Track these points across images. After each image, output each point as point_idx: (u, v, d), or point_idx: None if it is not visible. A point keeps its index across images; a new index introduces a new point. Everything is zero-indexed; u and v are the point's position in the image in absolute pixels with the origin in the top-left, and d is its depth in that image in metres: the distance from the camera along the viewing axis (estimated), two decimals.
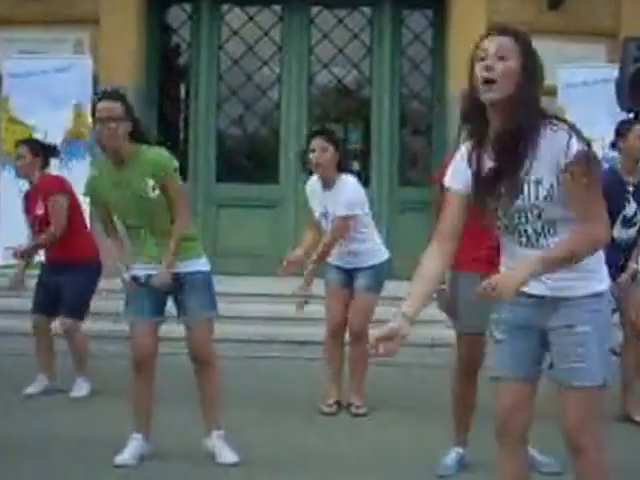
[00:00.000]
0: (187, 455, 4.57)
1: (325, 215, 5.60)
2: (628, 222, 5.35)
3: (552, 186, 2.77)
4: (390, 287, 6.09)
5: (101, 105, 4.39)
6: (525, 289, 2.82)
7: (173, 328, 4.68)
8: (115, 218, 4.63)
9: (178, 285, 4.45)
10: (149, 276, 4.45)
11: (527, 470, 3.13)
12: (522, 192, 2.80)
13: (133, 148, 4.39)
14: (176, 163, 4.53)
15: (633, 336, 5.55)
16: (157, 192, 4.38)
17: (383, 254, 5.79)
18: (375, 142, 9.51)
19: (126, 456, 4.42)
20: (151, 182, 4.36)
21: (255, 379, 6.54)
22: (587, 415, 2.91)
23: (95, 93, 7.66)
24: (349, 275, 5.71)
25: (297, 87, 9.66)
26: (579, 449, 2.92)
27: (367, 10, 9.77)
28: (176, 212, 4.43)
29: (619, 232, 5.30)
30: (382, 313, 6.38)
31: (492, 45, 2.84)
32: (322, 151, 5.51)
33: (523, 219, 2.86)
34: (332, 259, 5.67)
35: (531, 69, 2.81)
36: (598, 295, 2.91)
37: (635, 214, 5.36)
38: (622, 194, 5.28)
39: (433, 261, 2.94)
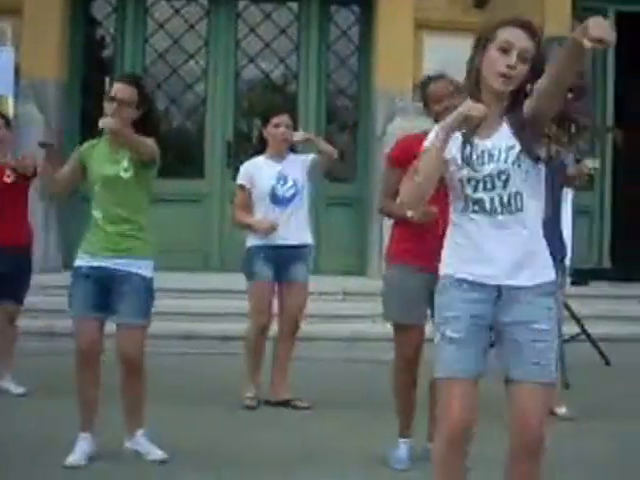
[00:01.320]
0: (135, 455, 4.49)
1: (282, 180, 5.67)
2: None
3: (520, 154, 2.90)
4: (316, 282, 6.10)
5: (115, 85, 4.45)
6: (482, 279, 2.88)
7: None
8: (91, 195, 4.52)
9: (115, 280, 4.38)
10: (92, 268, 4.38)
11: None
12: (495, 156, 2.91)
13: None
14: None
15: None
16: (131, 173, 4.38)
17: (310, 238, 5.83)
18: None
19: (77, 456, 4.34)
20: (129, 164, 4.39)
21: (176, 375, 6.48)
22: (542, 411, 2.96)
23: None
24: (277, 266, 5.68)
25: (223, 81, 9.61)
26: (538, 446, 2.93)
27: (294, 5, 9.77)
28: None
29: None
30: (308, 308, 6.43)
31: (518, 44, 2.90)
32: (287, 127, 5.74)
33: (489, 185, 2.90)
34: (262, 240, 5.66)
35: (538, 70, 2.89)
36: (552, 293, 2.98)
37: None
38: None
39: None
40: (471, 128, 2.89)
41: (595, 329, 7.53)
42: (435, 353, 2.99)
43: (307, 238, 5.78)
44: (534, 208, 2.98)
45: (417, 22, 9.19)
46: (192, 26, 9.67)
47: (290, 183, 5.69)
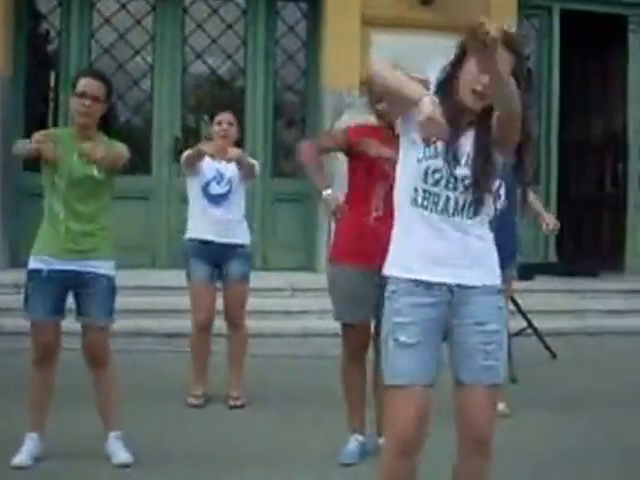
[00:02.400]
0: (83, 455, 4.44)
1: (218, 177, 5.63)
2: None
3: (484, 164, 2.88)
4: (264, 278, 6.09)
5: (83, 81, 4.32)
6: (433, 278, 2.85)
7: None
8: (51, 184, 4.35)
9: (82, 282, 4.33)
10: (55, 271, 4.29)
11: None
12: (463, 160, 2.89)
13: (98, 132, 4.37)
14: None
15: None
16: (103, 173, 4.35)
17: (249, 236, 5.81)
18: (249, 133, 9.47)
19: (24, 457, 4.27)
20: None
21: (125, 373, 6.38)
22: (492, 410, 2.95)
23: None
24: (214, 264, 5.65)
25: (170, 77, 9.54)
26: (487, 446, 2.92)
27: (241, 1, 9.73)
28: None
29: None
30: (257, 305, 6.43)
31: (499, 61, 2.71)
32: (230, 125, 5.68)
33: (451, 185, 2.87)
34: (201, 234, 5.64)
35: (517, 78, 2.80)
36: (501, 291, 2.97)
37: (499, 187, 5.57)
38: None
39: None
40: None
41: (541, 323, 7.63)
42: (386, 359, 2.92)
43: (242, 237, 5.72)
44: (488, 212, 2.97)
45: (364, 18, 9.21)
46: (138, 21, 9.59)
47: (225, 181, 5.66)
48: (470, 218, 2.90)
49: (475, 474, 2.97)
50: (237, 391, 5.64)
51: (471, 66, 2.82)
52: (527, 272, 8.86)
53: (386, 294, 2.96)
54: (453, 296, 2.89)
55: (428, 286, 2.88)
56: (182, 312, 6.55)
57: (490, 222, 3.02)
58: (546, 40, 10.41)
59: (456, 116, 2.84)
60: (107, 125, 4.43)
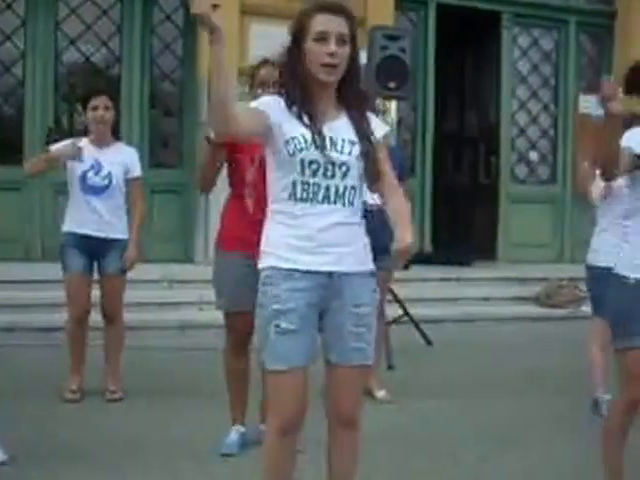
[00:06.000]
0: None
1: (96, 167, 5.46)
2: None
3: (362, 150, 2.93)
4: (141, 270, 6.02)
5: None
6: (311, 268, 2.89)
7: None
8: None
9: None
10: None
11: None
12: (339, 146, 2.93)
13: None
14: None
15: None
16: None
17: (127, 230, 5.68)
18: (125, 122, 9.31)
19: None
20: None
21: None
22: (360, 392, 3.08)
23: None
24: (91, 257, 5.53)
25: (43, 64, 9.29)
26: (353, 425, 3.04)
27: None
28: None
29: (370, 197, 5.62)
30: (134, 297, 6.34)
31: (334, 28, 2.88)
32: (106, 109, 5.52)
33: (330, 173, 2.89)
34: (77, 228, 5.51)
35: (357, 55, 2.96)
36: (375, 275, 3.04)
37: None
38: None
39: None
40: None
41: (417, 311, 7.78)
42: (265, 344, 2.94)
43: (120, 232, 5.58)
44: (362, 200, 3.02)
45: (243, 8, 9.18)
46: (9, 6, 9.28)
47: (105, 173, 5.48)
48: (350, 204, 2.94)
49: (344, 448, 3.07)
50: (114, 384, 5.55)
51: (311, 44, 2.90)
52: None
53: (261, 280, 2.98)
54: (331, 280, 2.93)
55: (305, 272, 2.91)
56: (57, 306, 6.41)
57: (370, 211, 3.08)
58: (422, 33, 10.59)
59: (314, 93, 2.93)
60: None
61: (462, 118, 11.58)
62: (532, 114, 11.34)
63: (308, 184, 2.90)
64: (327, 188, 2.91)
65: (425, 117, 10.62)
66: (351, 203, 2.95)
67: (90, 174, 5.47)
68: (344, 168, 2.91)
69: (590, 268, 5.29)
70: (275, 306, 2.90)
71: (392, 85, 7.51)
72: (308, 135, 2.89)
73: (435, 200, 10.77)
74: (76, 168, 5.48)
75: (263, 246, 3.00)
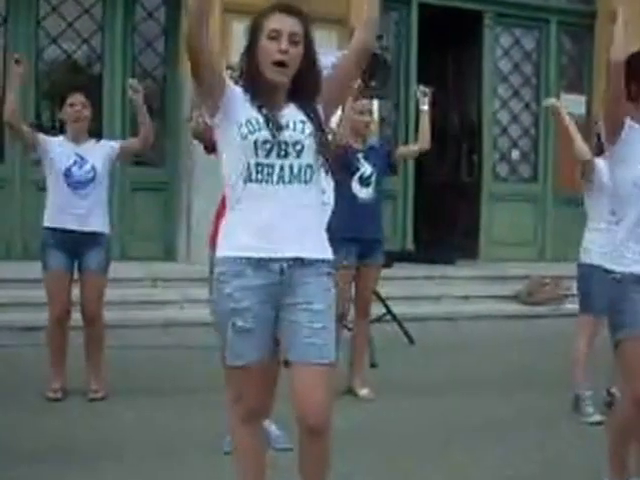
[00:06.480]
0: None
1: (79, 162, 5.48)
2: (364, 181, 5.72)
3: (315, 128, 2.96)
4: (124, 268, 6.00)
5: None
6: (264, 253, 2.88)
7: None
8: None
9: None
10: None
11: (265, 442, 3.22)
12: (291, 126, 2.94)
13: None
14: None
15: (361, 313, 5.89)
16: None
17: (108, 225, 5.68)
18: (107, 120, 9.29)
19: None
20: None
21: None
22: (324, 393, 2.93)
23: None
24: (71, 253, 5.51)
25: (24, 62, 9.21)
26: (319, 433, 2.92)
27: None
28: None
29: (359, 191, 5.71)
30: (117, 296, 6.32)
31: (286, 27, 2.94)
32: (83, 106, 5.58)
33: (283, 153, 2.90)
34: (58, 223, 5.49)
35: (311, 55, 3.00)
36: (330, 274, 3.00)
37: (371, 174, 5.72)
38: (353, 157, 5.68)
39: None
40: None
41: (399, 309, 7.79)
42: (225, 340, 2.98)
43: (102, 226, 5.58)
44: (320, 182, 3.02)
45: (225, 6, 9.16)
46: None
47: (88, 167, 5.51)
48: (306, 182, 2.94)
49: (312, 457, 3.00)
50: (97, 383, 5.54)
51: (264, 42, 2.94)
52: (386, 260, 8.99)
53: (215, 276, 2.99)
54: (284, 274, 2.92)
55: (257, 266, 2.90)
56: (37, 305, 6.38)
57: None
58: (404, 33, 10.60)
59: (267, 92, 2.95)
60: None
61: (444, 117, 11.59)
62: (514, 113, 11.37)
63: (262, 165, 2.90)
64: (281, 168, 2.91)
65: (407, 116, 10.63)
66: (307, 182, 2.94)
67: (74, 169, 5.49)
68: (298, 147, 2.92)
69: (580, 266, 5.37)
70: (231, 305, 2.93)
71: (374, 84, 7.53)
72: (261, 118, 2.92)
73: (417, 198, 10.78)
74: (59, 164, 5.48)
75: (219, 235, 3.03)
